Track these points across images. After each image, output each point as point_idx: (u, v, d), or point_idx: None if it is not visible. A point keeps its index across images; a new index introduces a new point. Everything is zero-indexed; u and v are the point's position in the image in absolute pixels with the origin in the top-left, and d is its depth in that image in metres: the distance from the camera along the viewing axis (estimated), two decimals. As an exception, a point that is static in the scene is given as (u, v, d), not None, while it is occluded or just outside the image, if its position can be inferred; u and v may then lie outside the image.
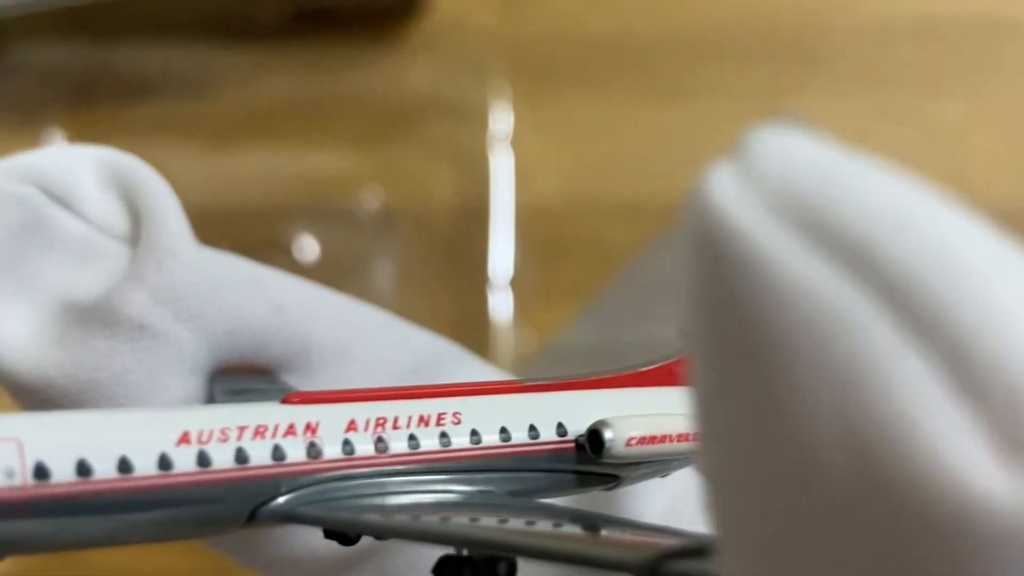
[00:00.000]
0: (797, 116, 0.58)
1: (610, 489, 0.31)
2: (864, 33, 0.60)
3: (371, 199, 0.61)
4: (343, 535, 0.27)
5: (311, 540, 0.31)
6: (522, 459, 0.29)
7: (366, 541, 0.28)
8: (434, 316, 0.58)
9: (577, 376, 0.32)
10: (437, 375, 0.34)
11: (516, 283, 0.60)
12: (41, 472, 0.23)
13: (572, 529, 0.25)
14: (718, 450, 0.15)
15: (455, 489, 0.28)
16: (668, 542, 0.21)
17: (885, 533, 0.14)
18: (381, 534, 0.27)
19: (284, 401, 0.28)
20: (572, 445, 0.30)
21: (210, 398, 0.31)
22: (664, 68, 0.61)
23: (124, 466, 0.24)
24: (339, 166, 0.61)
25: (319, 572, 0.32)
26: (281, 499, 0.26)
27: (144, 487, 0.24)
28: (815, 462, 0.14)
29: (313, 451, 0.27)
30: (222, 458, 0.25)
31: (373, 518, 0.26)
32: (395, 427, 0.28)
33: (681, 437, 0.31)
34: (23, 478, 0.23)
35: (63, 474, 0.23)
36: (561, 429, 0.30)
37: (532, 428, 0.30)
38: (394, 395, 0.29)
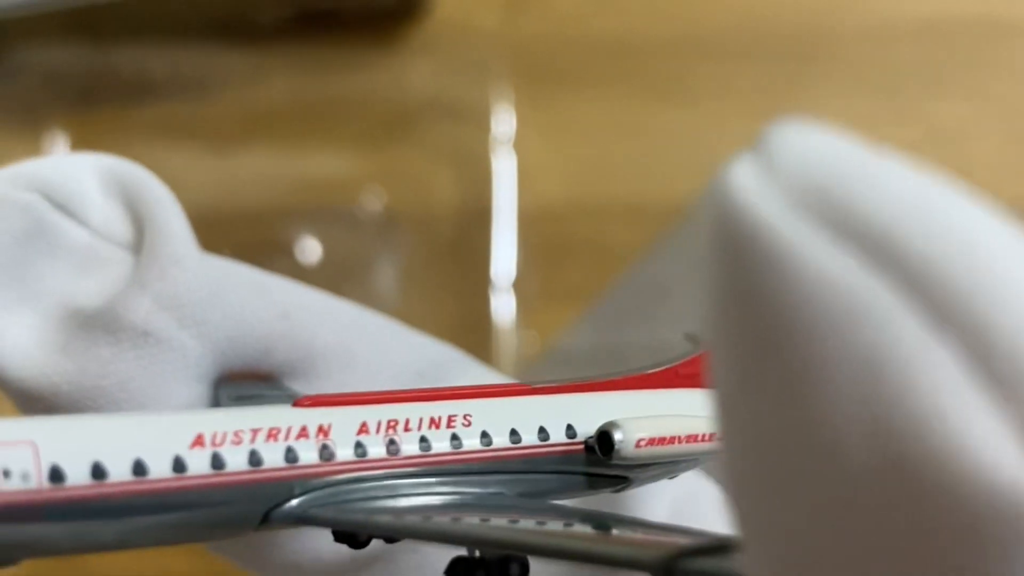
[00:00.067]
0: (804, 115, 0.58)
1: (619, 491, 0.31)
2: (866, 34, 0.60)
3: (373, 201, 0.61)
4: (353, 538, 0.27)
5: (316, 545, 0.31)
6: (532, 461, 0.29)
7: (372, 547, 0.28)
8: (436, 318, 0.58)
9: (585, 378, 0.32)
10: (441, 380, 0.33)
11: (518, 285, 0.59)
12: (56, 475, 0.23)
13: (584, 528, 0.25)
14: (741, 447, 0.15)
15: (466, 491, 0.28)
16: (682, 540, 0.21)
17: (912, 523, 0.14)
18: (393, 535, 0.27)
19: (296, 404, 0.28)
20: (582, 447, 0.30)
21: (215, 404, 0.30)
22: (666, 69, 0.61)
23: (139, 469, 0.24)
24: (341, 168, 0.61)
25: (323, 577, 0.32)
26: (294, 501, 0.26)
27: (159, 490, 0.24)
28: (841, 454, 0.14)
29: (326, 453, 0.27)
30: (236, 460, 0.25)
31: (385, 519, 0.26)
32: (406, 429, 0.28)
33: (690, 438, 0.31)
34: (38, 481, 0.23)
35: (78, 477, 0.23)
36: (571, 431, 0.30)
37: (542, 430, 0.30)
38: (405, 398, 0.29)
